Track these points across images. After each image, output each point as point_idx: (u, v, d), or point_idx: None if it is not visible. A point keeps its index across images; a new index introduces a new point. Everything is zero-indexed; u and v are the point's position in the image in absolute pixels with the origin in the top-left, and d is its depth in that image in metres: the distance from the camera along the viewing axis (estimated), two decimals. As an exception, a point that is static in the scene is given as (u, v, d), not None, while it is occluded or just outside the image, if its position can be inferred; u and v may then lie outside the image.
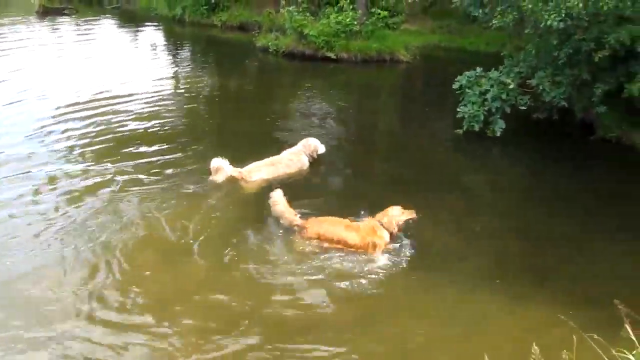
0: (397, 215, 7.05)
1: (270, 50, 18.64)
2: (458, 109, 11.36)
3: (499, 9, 10.50)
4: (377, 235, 6.92)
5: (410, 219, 7.19)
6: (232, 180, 8.56)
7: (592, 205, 8.83)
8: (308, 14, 18.65)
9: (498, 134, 10.97)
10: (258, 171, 8.80)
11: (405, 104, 14.99)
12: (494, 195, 9.06)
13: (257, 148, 9.87)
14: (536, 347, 3.64)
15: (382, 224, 7.00)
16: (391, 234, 7.01)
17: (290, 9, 18.43)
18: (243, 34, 22.11)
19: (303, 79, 16.28)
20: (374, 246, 6.87)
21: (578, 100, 11.29)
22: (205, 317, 5.61)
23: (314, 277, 6.30)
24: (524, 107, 11.16)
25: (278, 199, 7.27)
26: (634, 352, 3.57)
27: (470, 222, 7.98)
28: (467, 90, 11.35)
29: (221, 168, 8.52)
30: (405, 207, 7.17)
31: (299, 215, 7.23)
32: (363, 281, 6.29)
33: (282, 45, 18.53)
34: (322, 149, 9.58)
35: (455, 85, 11.63)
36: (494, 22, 10.62)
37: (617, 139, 11.13)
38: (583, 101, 11.08)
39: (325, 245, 6.89)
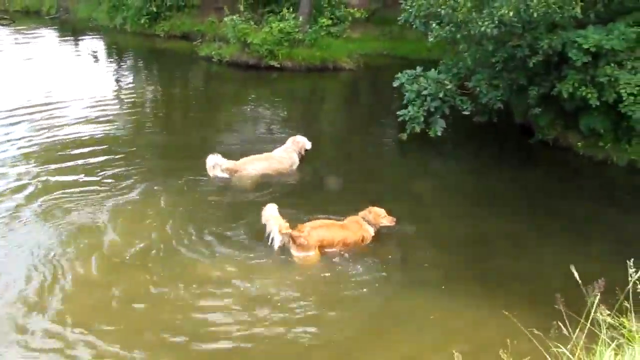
0: (381, 215, 7.53)
1: (213, 59, 18.51)
2: (399, 112, 11.57)
3: (434, 24, 10.79)
4: (363, 229, 7.45)
5: (389, 225, 7.61)
6: (230, 172, 9.08)
7: (533, 206, 9.16)
8: (251, 23, 18.61)
9: (439, 134, 11.26)
10: (251, 164, 9.31)
11: (350, 111, 15.15)
12: (439, 199, 9.25)
13: (198, 157, 9.86)
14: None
15: (365, 220, 7.50)
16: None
17: (233, 17, 18.33)
18: (186, 43, 21.89)
19: (247, 88, 16.26)
20: (363, 239, 7.42)
21: (516, 104, 11.66)
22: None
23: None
24: (466, 112, 11.47)
25: (272, 214, 7.23)
26: (567, 345, 3.70)
27: (417, 225, 8.15)
28: (406, 86, 11.58)
29: (217, 163, 9.01)
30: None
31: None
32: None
33: (225, 54, 18.43)
34: (308, 145, 9.91)
35: (396, 83, 11.87)
36: (432, 35, 10.90)
37: (554, 141, 11.54)
38: (521, 105, 11.44)
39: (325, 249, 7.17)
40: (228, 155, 9.32)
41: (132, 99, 14.25)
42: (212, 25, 22.01)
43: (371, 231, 7.51)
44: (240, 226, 7.70)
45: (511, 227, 8.36)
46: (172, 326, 5.66)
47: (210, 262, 6.87)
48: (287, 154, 9.71)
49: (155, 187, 8.78)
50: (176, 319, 5.79)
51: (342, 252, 7.20)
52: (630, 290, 3.77)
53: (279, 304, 6.14)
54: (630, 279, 3.77)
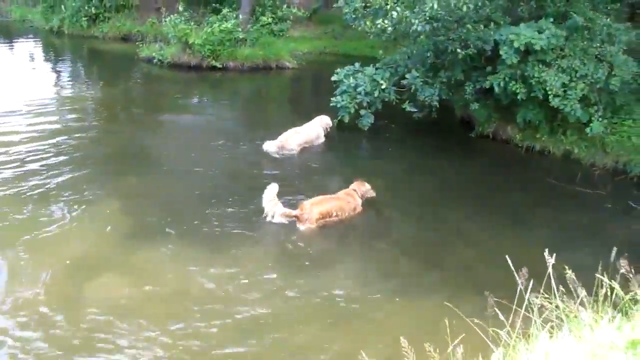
0: (369, 188, 8.65)
1: (155, 61, 18.25)
2: (332, 99, 11.82)
3: (368, 22, 10.95)
4: (355, 199, 8.47)
5: (374, 196, 8.71)
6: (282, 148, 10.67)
7: (475, 197, 9.42)
8: (192, 23, 18.44)
9: (366, 128, 11.58)
10: (292, 137, 10.99)
11: (291, 108, 15.21)
12: (382, 193, 9.36)
13: (140, 162, 9.81)
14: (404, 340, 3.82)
15: (357, 192, 8.53)
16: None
17: (173, 17, 18.12)
18: (127, 45, 21.51)
19: (190, 89, 16.09)
20: (355, 209, 8.42)
21: (456, 99, 11.95)
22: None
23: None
24: (416, 110, 11.67)
25: (271, 196, 7.97)
26: (504, 329, 3.83)
27: (361, 219, 8.32)
28: (344, 80, 11.77)
29: (270, 148, 10.67)
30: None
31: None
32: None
33: (167, 55, 18.18)
34: (330, 124, 11.74)
35: (334, 77, 12.07)
36: (368, 31, 11.07)
37: (494, 134, 11.90)
38: (460, 100, 11.74)
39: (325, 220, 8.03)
40: (170, 159, 9.26)
41: (71, 103, 13.89)
42: (152, 26, 21.73)
43: (360, 202, 8.50)
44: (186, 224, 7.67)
45: (454, 219, 8.59)
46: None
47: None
48: (314, 129, 11.50)
49: (97, 193, 8.64)
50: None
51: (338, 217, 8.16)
52: (551, 274, 3.93)
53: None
54: (548, 264, 3.92)
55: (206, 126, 12.41)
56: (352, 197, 8.46)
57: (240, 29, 18.10)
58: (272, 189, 8.00)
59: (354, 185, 8.62)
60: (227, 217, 8.07)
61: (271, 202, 7.96)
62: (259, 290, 6.41)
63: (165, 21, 18.42)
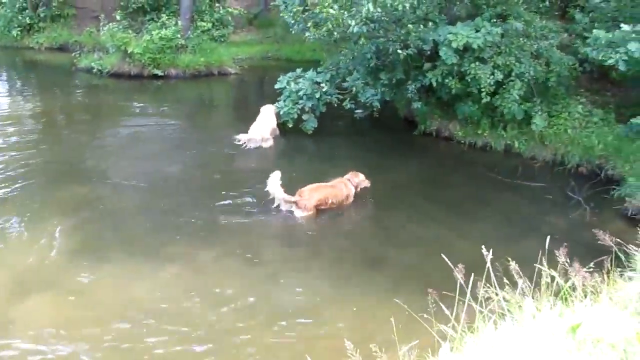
0: (363, 178, 9.12)
1: (94, 70, 17.80)
2: (275, 104, 11.94)
3: (309, 25, 11.00)
4: (348, 188, 8.97)
5: (367, 186, 9.17)
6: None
7: (421, 195, 9.60)
8: (130, 31, 18.12)
9: (310, 132, 11.65)
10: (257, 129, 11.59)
11: (235, 113, 15.14)
12: None
13: (82, 174, 9.61)
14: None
15: (351, 181, 9.01)
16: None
17: (111, 26, 17.76)
18: (64, 55, 20.95)
19: (131, 98, 15.78)
20: (348, 197, 8.95)
21: (398, 99, 12.12)
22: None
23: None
24: (359, 111, 11.76)
25: (274, 183, 8.47)
26: (449, 323, 3.91)
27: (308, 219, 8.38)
28: (286, 87, 11.81)
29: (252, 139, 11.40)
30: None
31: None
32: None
33: (106, 65, 17.76)
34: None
35: (278, 85, 12.11)
36: (308, 34, 11.12)
37: (436, 131, 12.15)
38: (402, 99, 11.91)
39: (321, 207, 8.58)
40: (113, 170, 9.09)
41: (8, 116, 13.44)
42: (90, 35, 21.22)
43: (353, 191, 8.98)
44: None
45: (400, 217, 8.71)
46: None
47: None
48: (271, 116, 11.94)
49: (37, 207, 8.42)
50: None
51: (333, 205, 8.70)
52: (493, 267, 4.04)
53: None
54: (486, 258, 4.03)
55: (150, 135, 12.23)
56: (345, 186, 8.98)
57: (180, 36, 17.88)
58: (276, 176, 8.51)
59: (349, 175, 9.12)
60: (174, 229, 7.98)
61: (275, 187, 8.44)
62: (207, 304, 6.32)
63: (103, 30, 18.03)
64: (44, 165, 10.23)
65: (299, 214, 8.46)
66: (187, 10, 18.91)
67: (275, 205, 8.61)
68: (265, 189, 8.55)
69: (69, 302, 6.27)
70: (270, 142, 11.69)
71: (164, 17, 18.50)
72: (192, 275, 6.89)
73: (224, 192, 9.17)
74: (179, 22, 18.24)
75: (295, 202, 8.44)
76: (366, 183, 9.16)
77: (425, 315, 4.29)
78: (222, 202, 8.77)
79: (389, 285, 6.72)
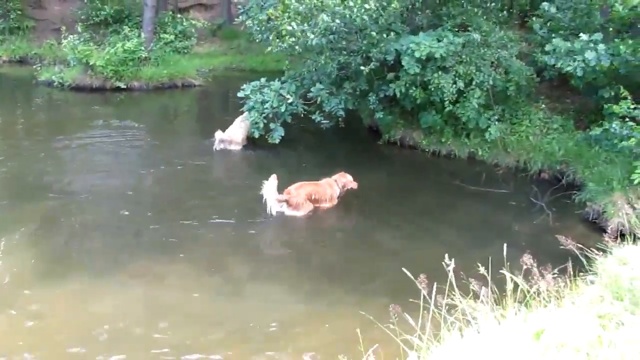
0: (350, 179, 9.36)
1: (55, 84, 17.50)
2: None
3: (271, 36, 11.01)
4: (333, 189, 9.27)
5: (353, 188, 9.39)
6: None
7: (386, 204, 9.63)
8: (92, 44, 17.89)
9: (277, 142, 11.63)
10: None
11: (200, 125, 15.02)
12: None
13: (43, 189, 9.43)
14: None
15: (337, 182, 9.29)
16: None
17: (72, 38, 17.50)
18: (24, 68, 20.55)
19: (94, 111, 15.52)
20: (332, 198, 9.25)
21: (363, 108, 12.20)
22: None
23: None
24: (325, 121, 11.76)
25: (270, 186, 8.79)
26: (415, 333, 3.92)
27: (269, 229, 8.37)
28: (250, 96, 11.80)
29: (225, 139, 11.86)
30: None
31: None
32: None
33: (67, 78, 17.47)
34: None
35: (241, 94, 12.07)
36: (270, 47, 11.13)
37: (400, 140, 12.25)
38: (367, 108, 12.00)
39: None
40: (75, 184, 8.91)
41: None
42: (50, 48, 20.91)
43: (337, 192, 9.29)
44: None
45: (366, 226, 8.76)
46: None
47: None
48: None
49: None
50: None
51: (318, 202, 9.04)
52: (456, 276, 4.08)
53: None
54: (447, 269, 4.07)
55: (112, 148, 12.04)
56: (330, 186, 9.27)
57: (143, 48, 17.73)
58: (272, 181, 8.82)
59: (336, 176, 9.38)
60: (138, 245, 7.87)
61: (269, 190, 8.75)
62: (172, 322, 6.18)
63: (64, 43, 17.76)
64: (2, 181, 9.99)
65: (289, 212, 8.84)
66: (150, 22, 18.80)
67: (267, 209, 8.76)
68: (260, 192, 8.80)
69: (22, 326, 5.99)
70: (238, 147, 11.86)
71: (126, 29, 18.33)
72: (156, 293, 6.74)
73: (189, 205, 9.09)
74: (142, 34, 18.10)
75: (287, 200, 8.78)
76: (353, 184, 9.38)
77: (391, 326, 4.29)
78: (187, 216, 8.67)
79: (355, 296, 6.69)
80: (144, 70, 17.74)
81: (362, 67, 10.62)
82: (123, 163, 11.15)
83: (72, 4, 22.32)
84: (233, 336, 5.97)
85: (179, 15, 21.78)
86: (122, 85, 17.22)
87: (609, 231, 5.78)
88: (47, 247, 7.68)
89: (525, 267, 4.48)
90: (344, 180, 9.34)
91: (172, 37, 19.75)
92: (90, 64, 17.07)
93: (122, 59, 17.18)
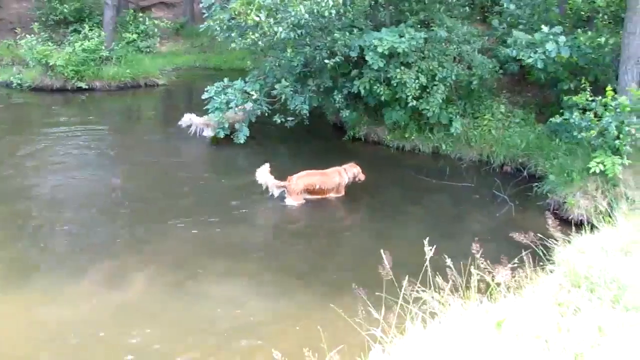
0: (360, 171, 9.56)
1: (14, 85, 17.13)
2: (206, 117, 11.75)
3: (234, 33, 10.94)
4: (341, 177, 9.46)
5: (362, 180, 9.59)
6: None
7: (352, 200, 9.66)
8: (51, 44, 17.55)
9: (242, 141, 11.59)
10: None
11: (163, 124, 14.86)
12: (252, 202, 9.46)
13: (2, 191, 9.25)
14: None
15: (347, 171, 9.48)
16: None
17: (30, 39, 17.13)
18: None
19: (55, 113, 15.21)
20: (339, 185, 9.46)
21: (327, 106, 12.22)
22: None
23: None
24: (290, 119, 11.75)
25: (264, 173, 9.20)
26: (380, 325, 3.97)
27: (231, 228, 8.30)
28: (214, 98, 11.73)
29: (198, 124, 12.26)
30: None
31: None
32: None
33: (26, 79, 17.09)
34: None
35: (205, 95, 12.00)
36: (234, 45, 11.06)
37: (365, 136, 12.33)
38: (331, 106, 12.01)
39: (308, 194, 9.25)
40: (36, 187, 8.75)
41: None
42: (8, 48, 20.44)
43: (346, 181, 9.47)
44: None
45: (331, 222, 8.83)
46: None
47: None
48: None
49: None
50: None
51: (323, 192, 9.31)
52: (428, 266, 4.12)
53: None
54: (426, 257, 4.12)
55: (75, 150, 11.83)
56: (339, 175, 9.47)
57: (104, 48, 17.47)
58: (265, 167, 9.22)
59: (346, 165, 9.60)
60: (101, 247, 7.78)
61: (265, 176, 9.14)
62: (136, 323, 6.10)
63: (21, 43, 17.38)
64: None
65: (289, 202, 9.13)
66: (111, 22, 18.51)
67: (269, 194, 9.21)
68: (256, 179, 9.17)
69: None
70: (210, 132, 12.11)
71: (86, 28, 18.02)
72: (122, 295, 6.66)
73: (154, 205, 9.02)
74: (102, 34, 17.81)
75: (285, 187, 9.10)
76: (362, 176, 9.58)
77: (357, 319, 4.33)
78: (152, 216, 8.61)
79: (323, 291, 6.71)
80: (106, 70, 17.45)
81: (326, 61, 10.63)
82: (86, 164, 10.99)
83: (30, 3, 21.86)
84: (200, 337, 5.93)
85: (140, 14, 21.50)
86: (84, 86, 16.90)
87: (569, 221, 5.92)
88: (6, 251, 7.53)
89: (487, 259, 4.56)
90: (354, 171, 9.53)
91: (134, 36, 19.49)
92: (50, 64, 16.75)
93: (82, 58, 16.87)
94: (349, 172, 9.51)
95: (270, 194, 9.23)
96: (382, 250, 4.43)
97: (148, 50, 20.08)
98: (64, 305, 6.41)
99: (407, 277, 4.25)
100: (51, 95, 16.71)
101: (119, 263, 7.35)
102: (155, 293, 6.72)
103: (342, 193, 9.57)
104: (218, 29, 11.42)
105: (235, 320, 6.19)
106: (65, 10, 19.99)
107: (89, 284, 6.83)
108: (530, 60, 10.16)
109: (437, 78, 10.99)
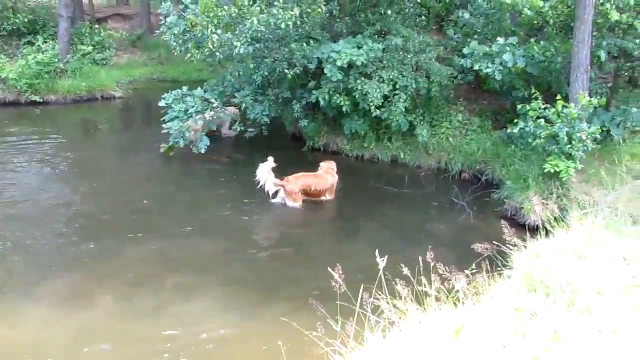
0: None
1: (-37, 100, 16.67)
2: (164, 125, 11.63)
3: (191, 47, 10.86)
4: (334, 177, 9.80)
5: None
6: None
7: (310, 209, 9.66)
8: (3, 56, 17.18)
9: (203, 152, 11.52)
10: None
11: (120, 137, 14.68)
12: (200, 210, 9.40)
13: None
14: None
15: (334, 170, 9.80)
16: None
17: (-20, 50, 16.76)
18: None
19: (8, 127, 14.83)
20: (332, 186, 9.77)
21: (286, 116, 12.23)
22: None
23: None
24: (250, 130, 11.71)
25: (266, 169, 9.41)
26: (339, 338, 3.97)
27: (190, 245, 8.23)
28: (173, 106, 11.63)
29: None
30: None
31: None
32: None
33: (-22, 92, 16.73)
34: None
35: (162, 103, 11.89)
36: (190, 56, 10.97)
37: (324, 146, 12.37)
38: (290, 116, 12.03)
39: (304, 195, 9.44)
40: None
41: None
42: (-42, 60, 19.92)
43: (336, 181, 9.81)
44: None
45: (292, 232, 8.83)
46: None
47: None
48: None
49: None
50: None
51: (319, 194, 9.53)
52: (382, 278, 4.14)
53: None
54: (380, 267, 4.14)
55: (30, 165, 11.57)
56: (332, 175, 9.79)
57: (58, 60, 17.15)
58: (268, 164, 9.44)
59: (332, 165, 9.97)
60: (59, 263, 7.61)
61: (265, 173, 9.35)
62: (95, 343, 5.98)
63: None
64: None
65: (290, 204, 9.40)
66: (66, 34, 18.20)
67: (266, 191, 9.46)
68: (256, 178, 9.39)
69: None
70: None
71: (40, 40, 17.69)
72: (80, 315, 6.50)
73: (112, 220, 8.87)
74: (57, 46, 17.50)
75: (283, 186, 9.34)
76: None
77: (314, 333, 4.31)
78: (110, 231, 8.45)
79: (283, 306, 6.61)
80: (61, 83, 17.13)
81: (286, 71, 10.64)
82: (42, 180, 10.74)
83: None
84: (158, 358, 5.80)
85: (96, 26, 21.22)
86: (38, 99, 16.57)
87: (525, 226, 6.02)
88: None
89: (447, 265, 4.60)
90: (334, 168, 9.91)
91: (90, 48, 19.21)
92: (3, 77, 16.39)
93: (36, 71, 16.55)
94: (334, 168, 9.86)
95: (266, 191, 9.45)
96: (328, 268, 4.42)
97: (104, 63, 19.81)
98: (15, 327, 6.23)
99: (362, 287, 4.25)
100: (4, 109, 16.32)
101: (75, 281, 7.19)
102: (112, 312, 6.56)
103: (333, 196, 9.80)
104: (174, 43, 11.32)
105: (194, 338, 6.07)
106: (18, 21, 19.56)
107: (43, 304, 6.63)
108: (488, 71, 10.35)
109: (398, 87, 11.08)
